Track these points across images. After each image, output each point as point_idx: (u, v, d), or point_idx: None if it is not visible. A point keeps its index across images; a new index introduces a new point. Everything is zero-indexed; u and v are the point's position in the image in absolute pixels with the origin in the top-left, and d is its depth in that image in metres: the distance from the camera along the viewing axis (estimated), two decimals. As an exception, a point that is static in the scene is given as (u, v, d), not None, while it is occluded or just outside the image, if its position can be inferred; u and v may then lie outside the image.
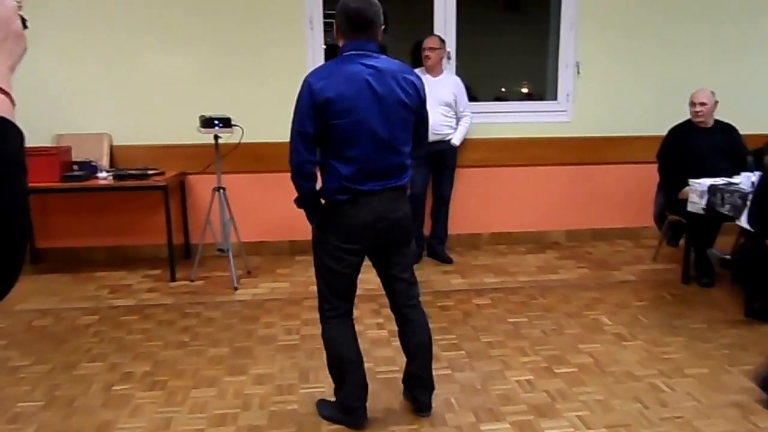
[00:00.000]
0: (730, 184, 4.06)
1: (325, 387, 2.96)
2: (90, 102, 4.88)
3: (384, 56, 2.43)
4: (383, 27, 2.42)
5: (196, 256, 4.59)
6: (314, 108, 2.33)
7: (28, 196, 0.85)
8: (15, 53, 0.88)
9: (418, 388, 2.73)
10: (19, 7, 0.88)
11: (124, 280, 4.61)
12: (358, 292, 4.28)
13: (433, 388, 2.75)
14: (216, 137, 4.28)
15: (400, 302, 2.67)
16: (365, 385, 2.66)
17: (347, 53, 2.38)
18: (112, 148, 4.89)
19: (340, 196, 2.42)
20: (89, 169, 4.55)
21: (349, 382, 2.62)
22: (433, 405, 2.75)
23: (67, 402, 2.87)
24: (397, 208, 2.50)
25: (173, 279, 4.55)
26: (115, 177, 4.50)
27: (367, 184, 2.40)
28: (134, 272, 4.76)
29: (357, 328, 3.57)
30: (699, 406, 2.78)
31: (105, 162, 4.78)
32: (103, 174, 4.56)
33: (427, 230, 5.09)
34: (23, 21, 0.88)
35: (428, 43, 4.78)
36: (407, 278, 2.66)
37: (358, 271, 2.59)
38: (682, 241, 4.63)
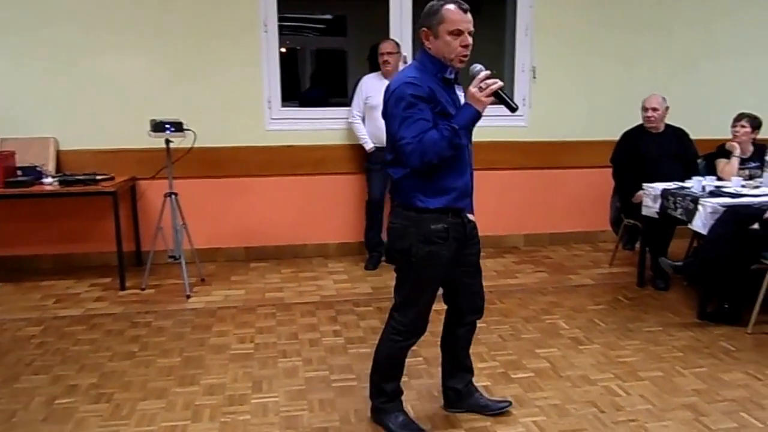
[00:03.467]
0: (682, 188, 4.13)
1: (278, 396, 2.90)
2: (35, 105, 4.71)
3: (414, 62, 2.43)
4: (422, 28, 2.34)
5: (147, 264, 4.46)
6: None
7: None
8: None
9: None
10: None
11: (71, 289, 4.45)
12: (316, 298, 4.26)
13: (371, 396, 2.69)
14: (167, 141, 4.17)
15: None
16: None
17: None
18: (58, 152, 4.73)
19: None
20: (34, 174, 4.39)
21: None
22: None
23: (7, 417, 2.73)
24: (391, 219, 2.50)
25: (123, 287, 4.41)
26: (62, 182, 4.35)
27: None
28: (82, 281, 4.60)
29: (313, 335, 3.62)
30: (653, 408, 2.79)
31: (51, 167, 4.61)
32: (49, 179, 4.39)
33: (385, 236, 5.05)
34: None
35: (386, 48, 4.75)
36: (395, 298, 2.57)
37: None
38: (638, 245, 4.68)
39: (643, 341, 3.53)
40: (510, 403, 2.78)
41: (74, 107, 4.75)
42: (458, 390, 2.77)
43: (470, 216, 2.60)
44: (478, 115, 2.27)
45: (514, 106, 2.29)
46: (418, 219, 2.39)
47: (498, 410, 2.74)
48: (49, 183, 4.37)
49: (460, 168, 2.42)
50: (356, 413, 2.76)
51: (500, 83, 2.22)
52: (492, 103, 2.29)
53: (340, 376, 3.11)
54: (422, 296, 2.49)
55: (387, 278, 4.69)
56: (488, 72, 2.25)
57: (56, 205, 4.81)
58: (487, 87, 2.23)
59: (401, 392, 2.67)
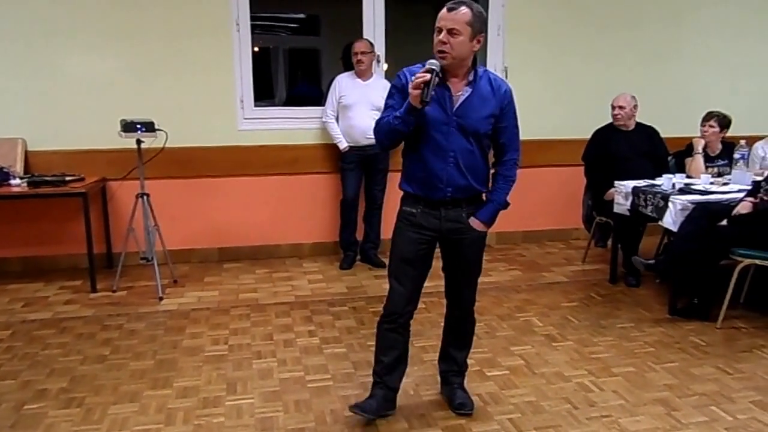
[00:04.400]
0: (653, 185, 4.19)
1: (253, 398, 2.87)
2: (2, 105, 4.60)
3: None
4: None
5: (118, 266, 4.39)
6: None
7: None
8: None
9: None
10: None
11: (40, 292, 4.36)
12: (290, 299, 4.24)
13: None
14: (139, 142, 4.11)
15: None
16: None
17: None
18: (26, 153, 4.63)
19: None
20: (1, 175, 4.29)
21: None
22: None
23: (-27, 424, 2.67)
24: None
25: (94, 290, 4.33)
26: (30, 184, 4.26)
27: None
28: (51, 284, 4.51)
29: (288, 336, 3.60)
30: (625, 404, 2.83)
31: (19, 168, 4.51)
32: (17, 181, 4.31)
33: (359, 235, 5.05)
34: None
35: (359, 47, 4.74)
36: None
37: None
38: (610, 242, 4.73)
39: (616, 337, 3.57)
40: (471, 412, 2.74)
41: (43, 107, 4.65)
42: (441, 370, 2.89)
43: (474, 221, 2.57)
44: (409, 106, 2.33)
45: (425, 99, 2.29)
46: (402, 198, 2.62)
47: (456, 409, 2.75)
48: (17, 184, 4.28)
49: (420, 158, 2.50)
50: (332, 413, 2.74)
51: (426, 77, 2.26)
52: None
53: (316, 376, 3.10)
54: (392, 270, 2.61)
55: (362, 278, 4.69)
56: (430, 67, 2.30)
57: (25, 206, 4.70)
58: (416, 79, 2.28)
59: (381, 377, 2.66)
